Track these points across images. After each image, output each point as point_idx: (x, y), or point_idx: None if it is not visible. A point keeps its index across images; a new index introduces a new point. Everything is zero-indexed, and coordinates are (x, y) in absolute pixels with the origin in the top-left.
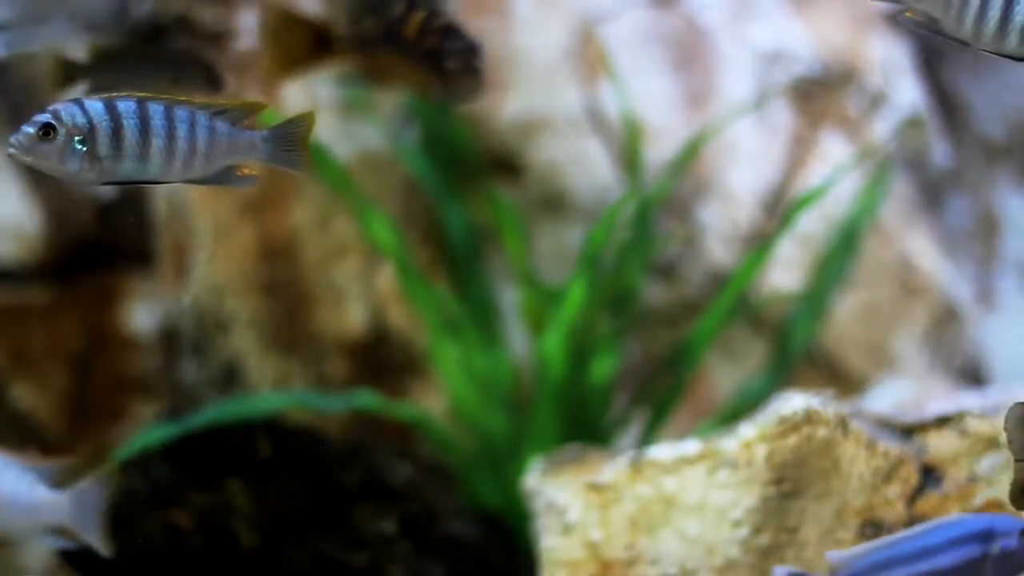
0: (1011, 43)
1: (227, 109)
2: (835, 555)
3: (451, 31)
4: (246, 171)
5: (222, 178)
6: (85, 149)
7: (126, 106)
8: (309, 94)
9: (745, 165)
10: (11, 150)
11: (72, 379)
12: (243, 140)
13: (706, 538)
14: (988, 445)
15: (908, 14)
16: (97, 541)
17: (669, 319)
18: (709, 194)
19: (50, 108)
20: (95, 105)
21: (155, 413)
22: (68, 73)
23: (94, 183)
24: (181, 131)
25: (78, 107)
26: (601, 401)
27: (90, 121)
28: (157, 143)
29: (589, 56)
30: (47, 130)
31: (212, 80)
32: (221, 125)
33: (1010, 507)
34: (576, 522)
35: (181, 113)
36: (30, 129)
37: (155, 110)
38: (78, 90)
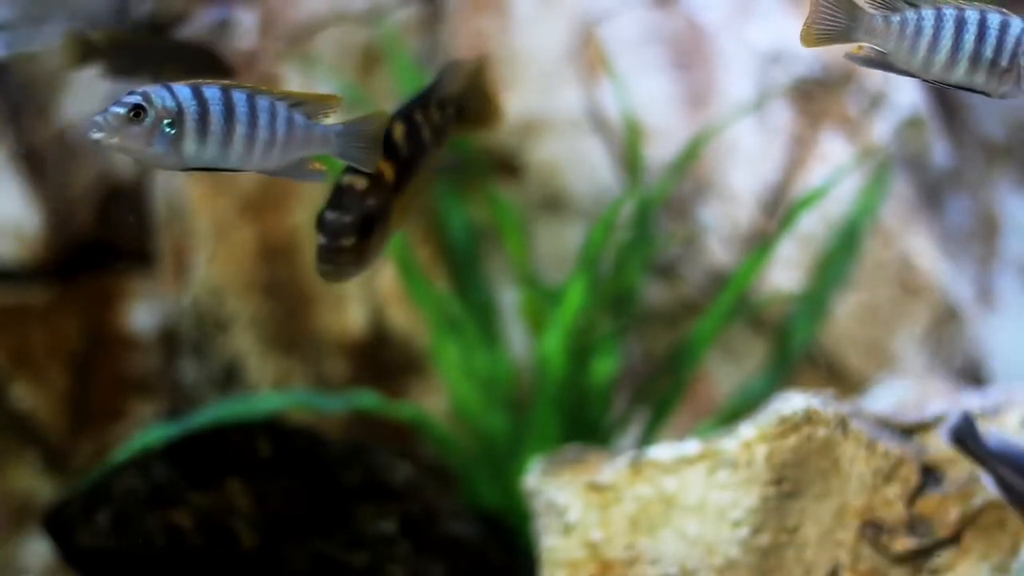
0: (959, 72)
1: (303, 101)
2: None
3: None
4: (316, 166)
5: (294, 171)
6: (173, 133)
7: (212, 92)
8: (309, 90)
9: (745, 165)
10: (95, 131)
11: (72, 379)
12: (318, 134)
13: (706, 538)
14: None
15: (855, 50)
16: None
17: (669, 319)
18: (709, 194)
19: (139, 90)
20: (183, 90)
21: (155, 413)
22: (85, 54)
23: (175, 168)
24: (262, 120)
25: (167, 91)
26: (601, 401)
27: (179, 105)
28: (240, 131)
29: (589, 56)
30: (137, 111)
31: (223, 71)
32: (298, 117)
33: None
34: (576, 522)
35: (262, 102)
36: (119, 109)
37: (239, 98)
38: (92, 72)
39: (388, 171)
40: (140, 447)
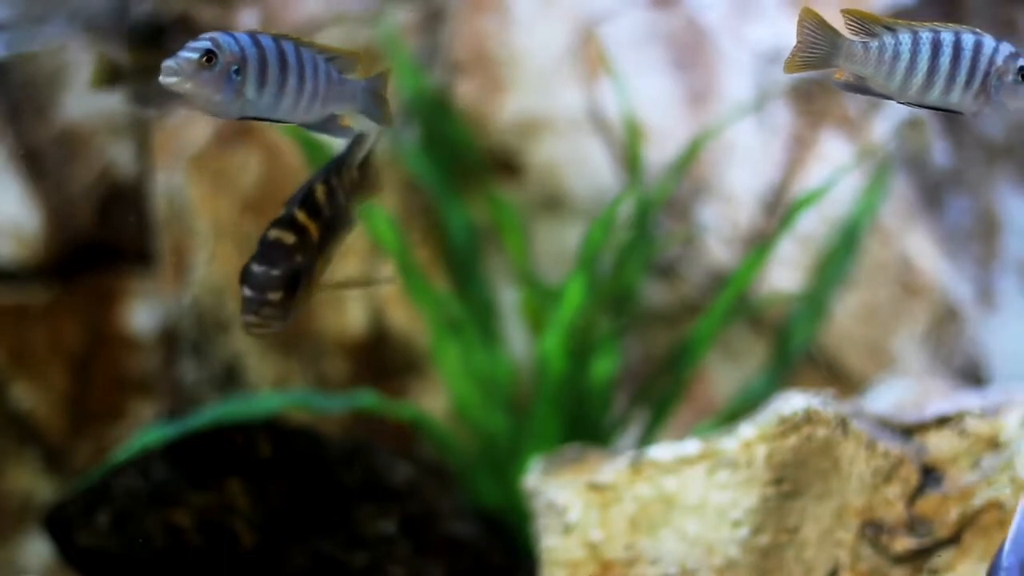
0: (935, 93)
1: (334, 56)
2: None
3: None
4: (346, 122)
5: (327, 126)
6: (239, 79)
7: (267, 41)
8: None
9: (745, 165)
10: (169, 76)
11: (72, 379)
12: (349, 88)
13: (706, 538)
14: (988, 445)
15: (836, 76)
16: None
17: (669, 319)
18: (709, 194)
19: (204, 36)
20: (244, 37)
21: (155, 413)
22: (111, 77)
23: (235, 116)
24: (308, 71)
25: (231, 37)
26: (601, 401)
27: (243, 51)
28: (292, 82)
29: (589, 56)
30: (209, 56)
31: None
32: (333, 71)
33: (1009, 507)
34: (576, 522)
35: (307, 54)
36: (191, 55)
37: (289, 48)
38: (117, 95)
39: (313, 229)
40: (140, 447)
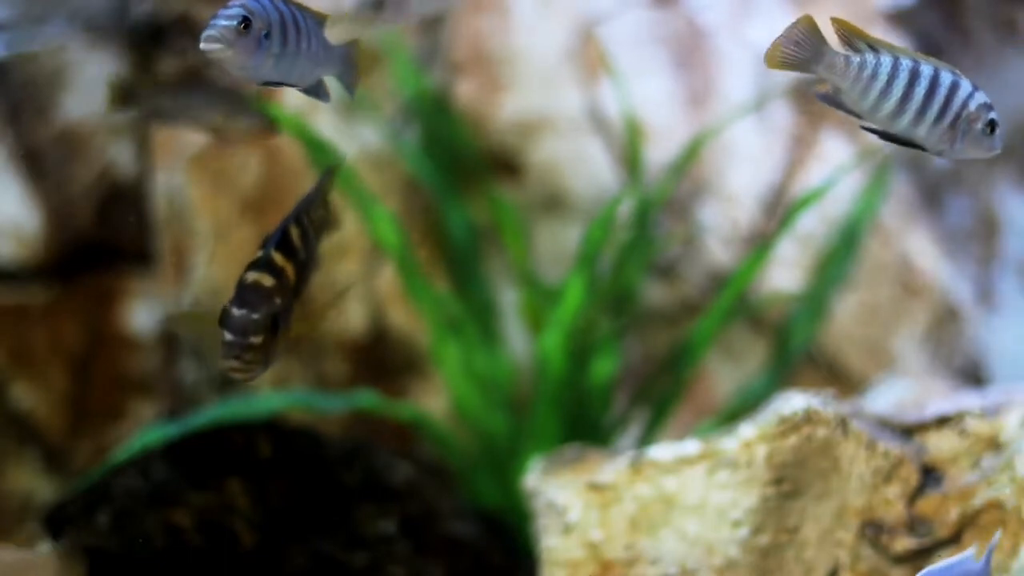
0: (903, 123)
1: (315, 18)
2: None
3: None
4: (325, 86)
5: (316, 90)
6: (268, 43)
7: (282, 6)
8: None
9: (745, 165)
10: (211, 44)
11: (72, 379)
12: (333, 53)
13: (706, 538)
14: (988, 445)
15: (819, 87)
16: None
17: (669, 319)
18: (709, 194)
19: (234, 3)
20: (265, 2)
21: (155, 413)
22: (125, 97)
23: (259, 80)
24: (311, 35)
25: (256, 2)
26: (601, 401)
27: (268, 16)
28: (303, 45)
29: (589, 56)
30: (245, 23)
31: (263, 119)
32: (323, 35)
33: (1009, 507)
34: (576, 522)
35: (309, 19)
36: (229, 23)
37: (297, 13)
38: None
39: (290, 271)
40: (140, 447)
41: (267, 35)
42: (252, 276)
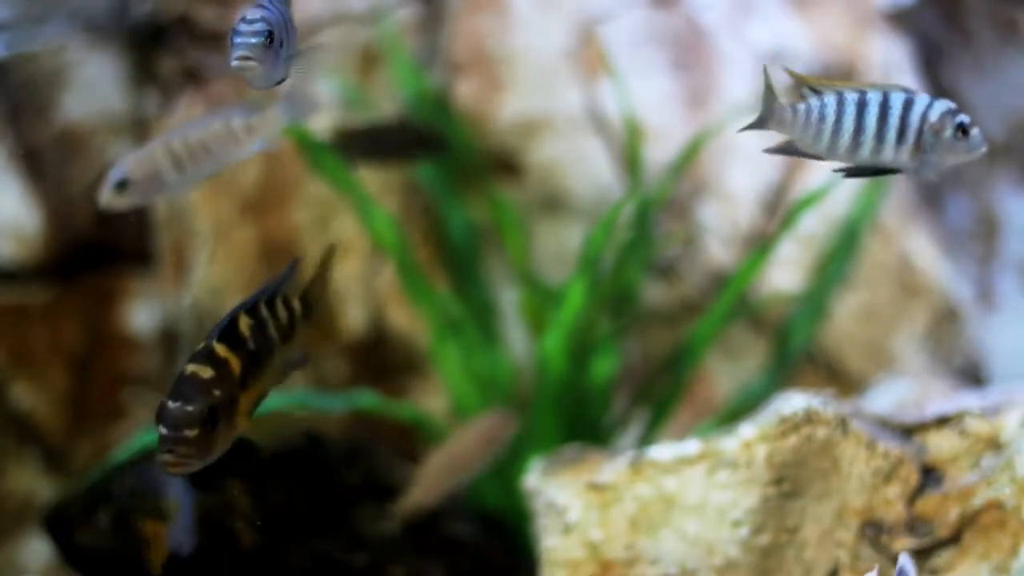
0: (864, 153)
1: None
2: None
3: None
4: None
5: (301, 104)
6: (282, 50)
7: (282, 7)
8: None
9: (745, 165)
10: (245, 63)
11: (72, 379)
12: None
13: (706, 538)
14: (988, 445)
15: (771, 147)
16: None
17: (669, 319)
18: (709, 194)
19: (255, 14)
20: (271, 8)
21: (155, 413)
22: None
23: (275, 85)
24: (293, 33)
25: (267, 10)
26: (601, 401)
27: (278, 23)
28: (292, 44)
29: (589, 56)
30: (269, 37)
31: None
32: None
33: (1009, 507)
34: (576, 522)
35: (287, 12)
36: (257, 39)
37: (285, 11)
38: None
39: (235, 363)
40: (140, 447)
41: (282, 44)
42: (190, 368)
